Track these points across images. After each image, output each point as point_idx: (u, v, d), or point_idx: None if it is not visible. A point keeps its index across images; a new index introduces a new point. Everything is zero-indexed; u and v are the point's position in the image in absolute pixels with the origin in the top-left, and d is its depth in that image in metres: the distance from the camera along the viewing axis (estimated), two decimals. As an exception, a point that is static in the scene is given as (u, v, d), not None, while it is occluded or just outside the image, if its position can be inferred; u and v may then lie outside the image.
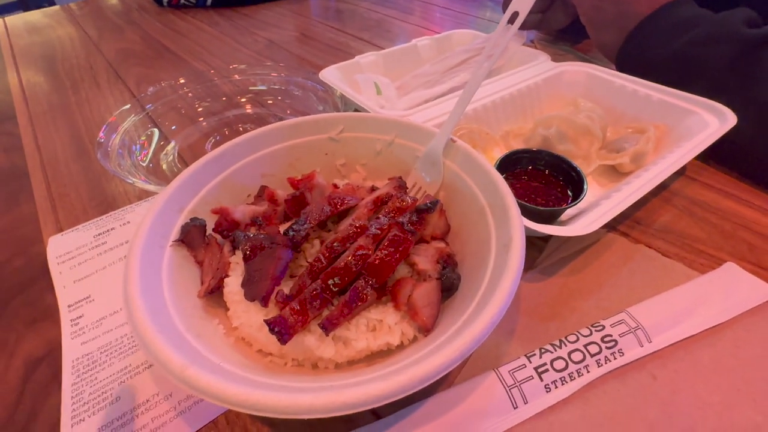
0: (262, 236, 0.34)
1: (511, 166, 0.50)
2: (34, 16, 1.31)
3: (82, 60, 0.98)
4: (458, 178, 0.42)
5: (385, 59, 0.75)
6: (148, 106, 0.58)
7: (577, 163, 0.54)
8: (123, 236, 0.50)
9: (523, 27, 0.86)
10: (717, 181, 0.53)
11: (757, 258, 0.43)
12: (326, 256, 0.34)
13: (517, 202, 0.45)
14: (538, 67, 0.66)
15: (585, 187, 0.45)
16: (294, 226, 0.35)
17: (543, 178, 0.49)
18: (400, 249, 0.33)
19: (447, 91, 0.69)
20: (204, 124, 0.63)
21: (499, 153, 0.57)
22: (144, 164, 0.55)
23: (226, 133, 0.62)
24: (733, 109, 0.52)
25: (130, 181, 0.49)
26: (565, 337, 0.36)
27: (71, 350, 0.39)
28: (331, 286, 0.32)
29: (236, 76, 0.67)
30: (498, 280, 0.30)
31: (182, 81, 0.64)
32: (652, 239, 0.46)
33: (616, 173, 0.54)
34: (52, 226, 0.52)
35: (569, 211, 0.46)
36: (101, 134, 0.53)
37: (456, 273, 0.36)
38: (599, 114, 0.58)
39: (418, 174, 0.46)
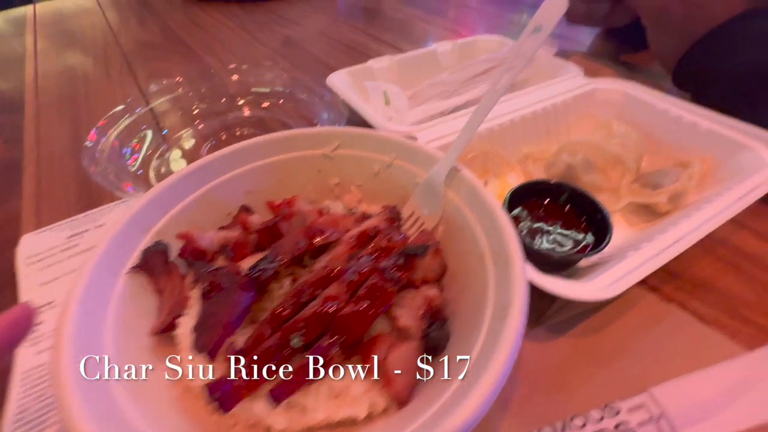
0: (222, 272, 0.30)
1: (528, 197, 0.44)
2: (65, 3, 1.32)
3: (99, 50, 0.97)
4: (460, 213, 0.37)
5: (400, 65, 0.70)
6: (137, 109, 0.55)
7: (605, 197, 0.47)
8: (96, 239, 0.47)
9: (575, 21, 0.78)
10: (772, 229, 0.45)
11: (820, 334, 0.36)
12: (293, 302, 0.29)
13: (526, 244, 0.39)
14: (568, 83, 0.59)
15: (609, 235, 0.38)
16: (260, 264, 0.31)
17: (562, 216, 0.43)
18: (378, 302, 0.28)
19: (463, 103, 0.63)
20: (201, 127, 0.59)
21: (514, 180, 0.51)
22: (133, 169, 0.52)
23: (223, 138, 0.59)
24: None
25: (112, 190, 0.46)
26: (570, 419, 0.30)
27: (24, 360, 0.36)
28: (292, 343, 0.27)
29: (238, 76, 0.63)
30: (490, 353, 0.25)
31: (181, 79, 0.61)
32: (688, 298, 0.39)
33: (650, 212, 0.47)
34: (33, 228, 0.50)
35: (591, 258, 0.40)
36: (90, 139, 0.51)
37: (444, 331, 0.31)
38: (635, 141, 0.50)
39: (416, 203, 0.41)
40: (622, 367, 0.34)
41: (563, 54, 0.83)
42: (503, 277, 0.29)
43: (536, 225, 0.41)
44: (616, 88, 0.57)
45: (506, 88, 0.35)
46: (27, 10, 1.25)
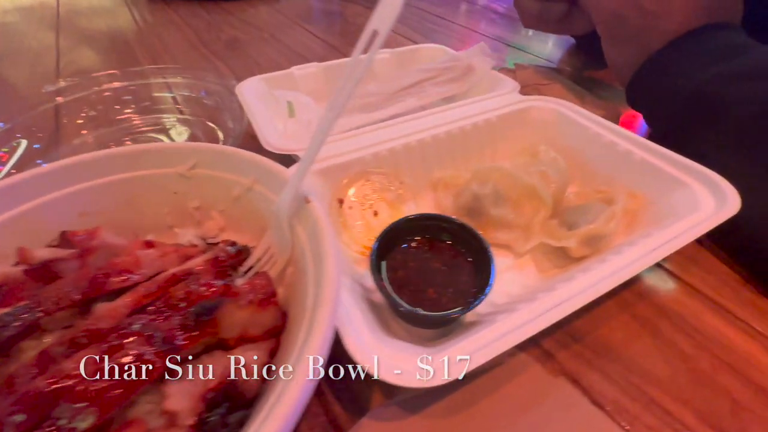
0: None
1: (415, 233, 0.37)
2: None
3: (35, 45, 0.92)
4: (303, 255, 0.30)
5: (327, 72, 0.64)
6: (31, 112, 0.49)
7: (514, 236, 0.41)
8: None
9: (530, 24, 0.71)
10: (706, 283, 0.38)
11: (742, 428, 0.28)
12: (35, 371, 0.23)
13: (391, 298, 0.32)
14: (498, 100, 0.53)
15: (488, 286, 0.31)
16: (2, 318, 0.24)
17: (450, 257, 0.36)
18: (129, 382, 0.22)
19: (388, 117, 0.56)
20: (89, 138, 0.53)
21: (413, 209, 0.45)
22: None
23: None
24: (750, 177, 0.37)
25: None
26: None
27: None
28: (11, 426, 0.20)
29: (137, 78, 0.57)
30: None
31: (72, 83, 0.55)
32: (586, 369, 0.32)
33: (566, 256, 0.40)
34: None
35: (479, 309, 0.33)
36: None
37: (237, 415, 0.24)
38: (560, 169, 0.44)
39: (273, 236, 0.34)
40: (483, 462, 0.27)
41: (519, 68, 0.77)
42: (304, 346, 0.23)
43: (412, 270, 0.34)
44: (549, 106, 0.51)
45: (346, 100, 0.29)
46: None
